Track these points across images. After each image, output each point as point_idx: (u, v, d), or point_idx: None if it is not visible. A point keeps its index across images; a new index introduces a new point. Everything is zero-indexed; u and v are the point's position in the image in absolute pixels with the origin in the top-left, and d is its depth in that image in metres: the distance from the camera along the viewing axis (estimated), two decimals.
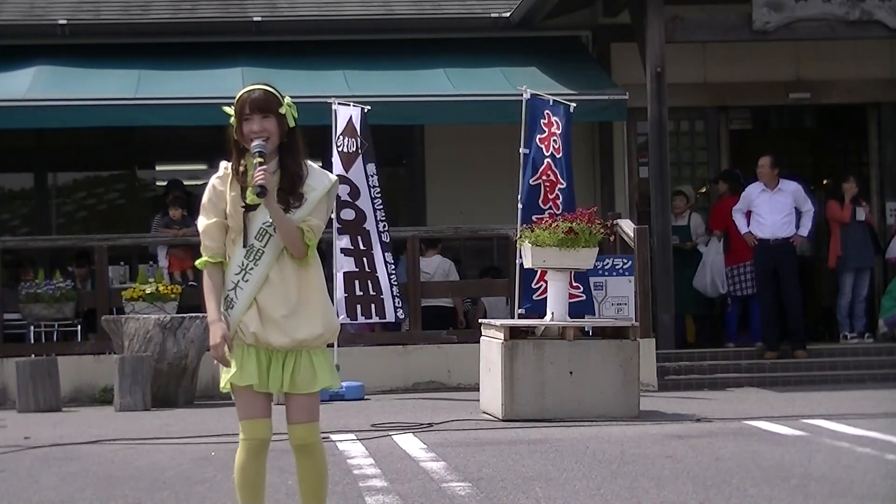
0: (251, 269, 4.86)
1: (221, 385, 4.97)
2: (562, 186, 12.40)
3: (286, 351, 4.87)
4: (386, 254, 12.51)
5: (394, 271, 12.57)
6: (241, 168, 4.89)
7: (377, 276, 12.45)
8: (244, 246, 4.87)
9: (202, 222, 4.93)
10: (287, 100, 4.92)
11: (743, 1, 13.67)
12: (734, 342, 14.38)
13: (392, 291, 12.51)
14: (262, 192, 4.73)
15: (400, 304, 12.61)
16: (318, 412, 5.00)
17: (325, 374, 4.92)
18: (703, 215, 15.08)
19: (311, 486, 5.03)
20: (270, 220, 4.83)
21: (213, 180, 4.93)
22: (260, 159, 4.77)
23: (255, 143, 4.80)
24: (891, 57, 15.75)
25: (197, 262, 5.02)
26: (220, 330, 4.86)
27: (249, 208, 4.84)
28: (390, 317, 12.57)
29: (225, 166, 4.93)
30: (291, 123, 4.88)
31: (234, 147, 4.90)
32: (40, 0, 15.43)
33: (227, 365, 4.89)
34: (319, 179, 4.94)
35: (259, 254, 4.86)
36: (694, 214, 14.86)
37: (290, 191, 4.86)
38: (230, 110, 4.90)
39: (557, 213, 11.80)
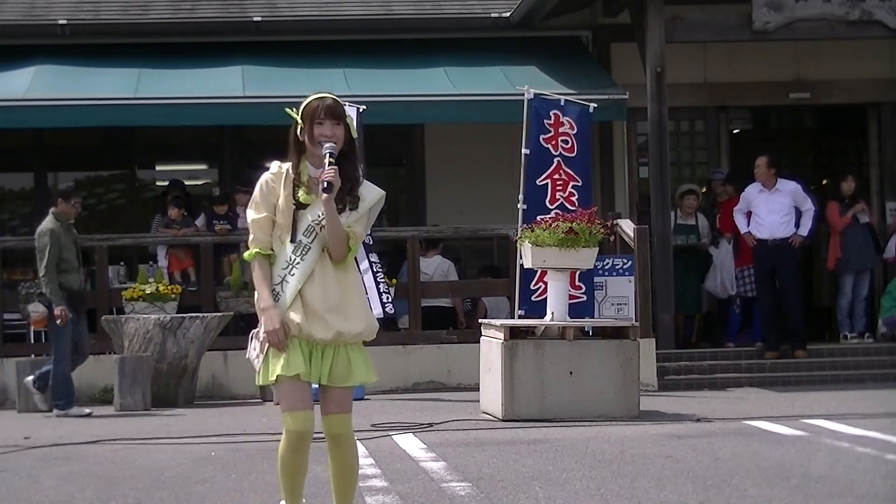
0: (297, 263, 5.08)
1: (262, 379, 5.14)
2: (577, 184, 12.40)
3: (325, 345, 5.10)
4: (370, 255, 12.46)
5: (380, 269, 12.52)
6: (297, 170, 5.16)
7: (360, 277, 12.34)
8: (292, 241, 5.10)
9: (252, 215, 5.16)
10: (348, 112, 5.27)
11: (743, 1, 13.66)
12: (734, 342, 14.38)
13: (378, 288, 12.44)
14: (328, 188, 5.01)
15: (388, 300, 12.53)
16: (351, 405, 5.24)
17: (360, 370, 5.17)
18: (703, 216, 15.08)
19: (340, 477, 5.28)
20: (318, 218, 5.08)
21: (267, 176, 5.18)
22: (331, 159, 5.05)
23: (327, 144, 5.08)
24: (891, 57, 15.75)
25: (245, 255, 5.22)
26: (276, 315, 5.06)
27: (300, 206, 5.09)
28: (377, 312, 12.47)
29: (279, 165, 5.17)
30: (354, 134, 5.21)
31: (296, 148, 5.17)
32: (40, 0, 15.43)
33: (284, 350, 5.06)
34: (369, 191, 5.24)
35: (306, 249, 5.09)
36: (699, 214, 14.86)
37: (347, 193, 5.14)
38: (293, 113, 5.19)
39: (572, 209, 11.79)
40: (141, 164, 16.64)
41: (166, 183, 15.55)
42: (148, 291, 12.76)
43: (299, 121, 5.16)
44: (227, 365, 12.82)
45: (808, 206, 13.60)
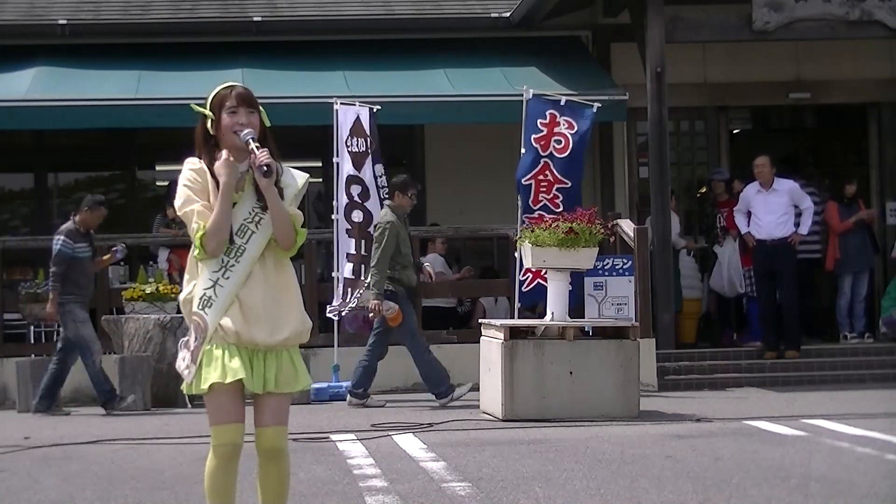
0: (232, 266, 4.69)
1: (194, 388, 4.74)
2: (564, 186, 12.37)
3: (266, 350, 4.74)
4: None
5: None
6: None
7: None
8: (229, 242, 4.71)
9: (192, 207, 4.69)
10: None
11: (743, 1, 13.66)
12: (758, 340, 14.14)
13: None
14: (269, 171, 4.63)
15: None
16: (288, 415, 4.88)
17: (304, 374, 4.84)
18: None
19: (270, 494, 4.92)
20: (250, 216, 4.72)
21: (188, 174, 4.74)
22: (256, 143, 4.67)
23: (245, 131, 4.69)
24: (891, 57, 15.74)
25: (197, 255, 4.69)
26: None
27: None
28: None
29: (198, 161, 4.76)
30: (267, 123, 4.81)
31: (205, 144, 4.77)
32: (40, 0, 15.44)
33: (228, 165, 4.66)
34: (293, 176, 4.85)
35: (241, 251, 4.70)
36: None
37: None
38: (199, 108, 4.79)
39: (557, 211, 11.82)
40: (141, 164, 16.64)
41: (166, 183, 15.54)
42: (148, 291, 12.76)
43: (207, 113, 4.74)
44: None
45: (807, 205, 13.58)
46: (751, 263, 14.20)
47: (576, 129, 12.39)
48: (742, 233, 13.83)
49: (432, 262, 14.24)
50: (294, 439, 9.07)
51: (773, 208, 13.50)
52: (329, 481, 7.37)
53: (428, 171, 15.88)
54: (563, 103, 12.46)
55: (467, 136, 15.33)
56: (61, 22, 14.76)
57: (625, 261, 12.78)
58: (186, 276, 4.83)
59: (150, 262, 14.35)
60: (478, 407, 10.97)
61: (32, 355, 12.61)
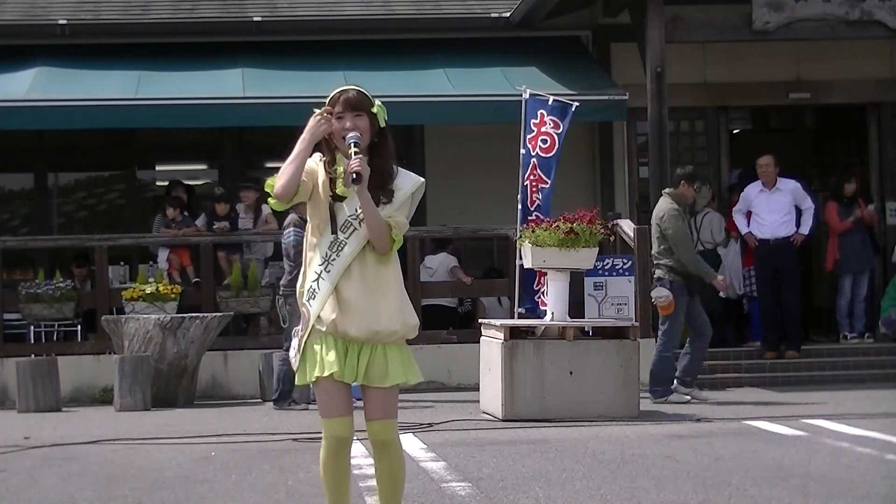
0: (333, 260, 4.92)
1: (300, 379, 4.99)
2: (544, 186, 12.38)
3: (362, 343, 4.91)
4: None
5: None
6: (333, 166, 4.98)
7: None
8: (332, 233, 4.93)
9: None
10: (378, 102, 5.05)
11: (743, 1, 13.66)
12: (758, 341, 14.14)
13: None
14: (357, 178, 4.80)
15: None
16: (395, 409, 5.03)
17: (397, 370, 4.95)
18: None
19: (385, 484, 5.08)
20: (356, 213, 4.90)
21: (314, 156, 5.00)
22: (356, 149, 4.85)
23: (350, 135, 4.89)
24: (891, 57, 15.74)
25: (269, 181, 4.96)
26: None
27: (337, 199, 4.93)
28: None
29: (317, 155, 5.00)
30: (382, 124, 5.00)
31: (327, 147, 5.00)
32: (40, 0, 15.44)
33: (328, 120, 4.92)
34: (406, 180, 5.06)
35: (342, 245, 4.91)
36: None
37: (379, 187, 4.94)
38: (317, 111, 5.00)
39: (537, 213, 11.84)
40: (141, 164, 16.63)
41: (166, 183, 15.54)
42: (148, 291, 12.77)
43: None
44: (227, 365, 12.81)
45: (809, 205, 13.58)
46: (751, 264, 14.20)
47: (561, 128, 12.40)
48: (742, 233, 13.82)
49: (444, 262, 14.28)
50: (294, 439, 9.08)
51: (776, 208, 13.50)
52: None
53: (428, 171, 15.84)
54: (550, 102, 12.47)
55: (467, 136, 15.33)
56: (61, 22, 14.75)
57: (625, 261, 12.79)
58: (302, 270, 5.06)
59: (151, 262, 14.36)
60: (478, 407, 10.97)
61: (32, 355, 12.61)
